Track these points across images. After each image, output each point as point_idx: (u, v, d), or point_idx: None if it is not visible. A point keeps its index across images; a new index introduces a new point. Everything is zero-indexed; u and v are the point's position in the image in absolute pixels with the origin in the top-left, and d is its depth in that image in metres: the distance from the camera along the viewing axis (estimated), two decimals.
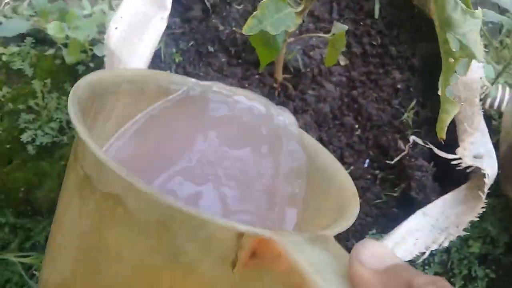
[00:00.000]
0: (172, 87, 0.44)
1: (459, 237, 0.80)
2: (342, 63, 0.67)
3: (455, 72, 0.33)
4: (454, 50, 0.32)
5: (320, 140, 0.62)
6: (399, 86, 0.65)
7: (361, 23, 0.70)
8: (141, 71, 0.43)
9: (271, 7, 0.48)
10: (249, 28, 0.46)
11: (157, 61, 0.64)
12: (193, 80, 0.44)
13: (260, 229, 0.25)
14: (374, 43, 0.68)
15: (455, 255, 0.80)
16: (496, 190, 0.85)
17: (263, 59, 0.57)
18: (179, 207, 0.23)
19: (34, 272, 0.73)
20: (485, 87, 0.60)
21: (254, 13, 0.46)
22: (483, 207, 0.55)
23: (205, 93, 0.43)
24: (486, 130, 0.61)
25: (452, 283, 0.79)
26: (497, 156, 0.87)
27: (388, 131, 0.63)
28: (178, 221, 0.24)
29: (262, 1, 0.47)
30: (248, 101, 0.44)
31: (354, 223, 0.60)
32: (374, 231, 0.58)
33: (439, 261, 0.79)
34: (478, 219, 0.81)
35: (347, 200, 0.39)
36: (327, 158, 0.44)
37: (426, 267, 0.78)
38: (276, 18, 0.47)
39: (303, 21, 0.70)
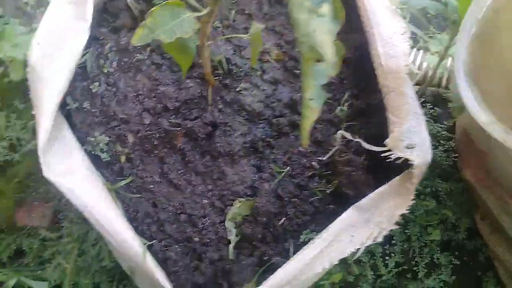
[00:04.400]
0: None
1: (416, 226, 0.80)
2: (274, 58, 0.66)
3: (314, 77, 0.31)
4: (304, 51, 0.30)
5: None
6: (332, 79, 0.64)
7: None
8: None
9: (165, 14, 0.46)
10: (138, 39, 0.45)
11: (83, 73, 0.64)
12: None
13: None
14: None
15: (416, 243, 0.78)
16: (453, 174, 0.83)
17: (181, 64, 0.57)
18: None
19: None
20: (416, 73, 0.58)
21: (143, 22, 0.45)
22: (413, 199, 0.53)
23: None
24: (422, 118, 0.58)
25: (415, 272, 0.77)
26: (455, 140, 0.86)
27: (323, 126, 0.62)
28: None
29: (153, 9, 0.46)
30: None
31: (291, 222, 0.60)
32: (308, 230, 0.56)
33: (399, 251, 0.77)
34: (435, 205, 0.80)
35: None
36: None
37: (387, 257, 0.76)
38: (171, 25, 0.46)
39: (234, 21, 0.69)
